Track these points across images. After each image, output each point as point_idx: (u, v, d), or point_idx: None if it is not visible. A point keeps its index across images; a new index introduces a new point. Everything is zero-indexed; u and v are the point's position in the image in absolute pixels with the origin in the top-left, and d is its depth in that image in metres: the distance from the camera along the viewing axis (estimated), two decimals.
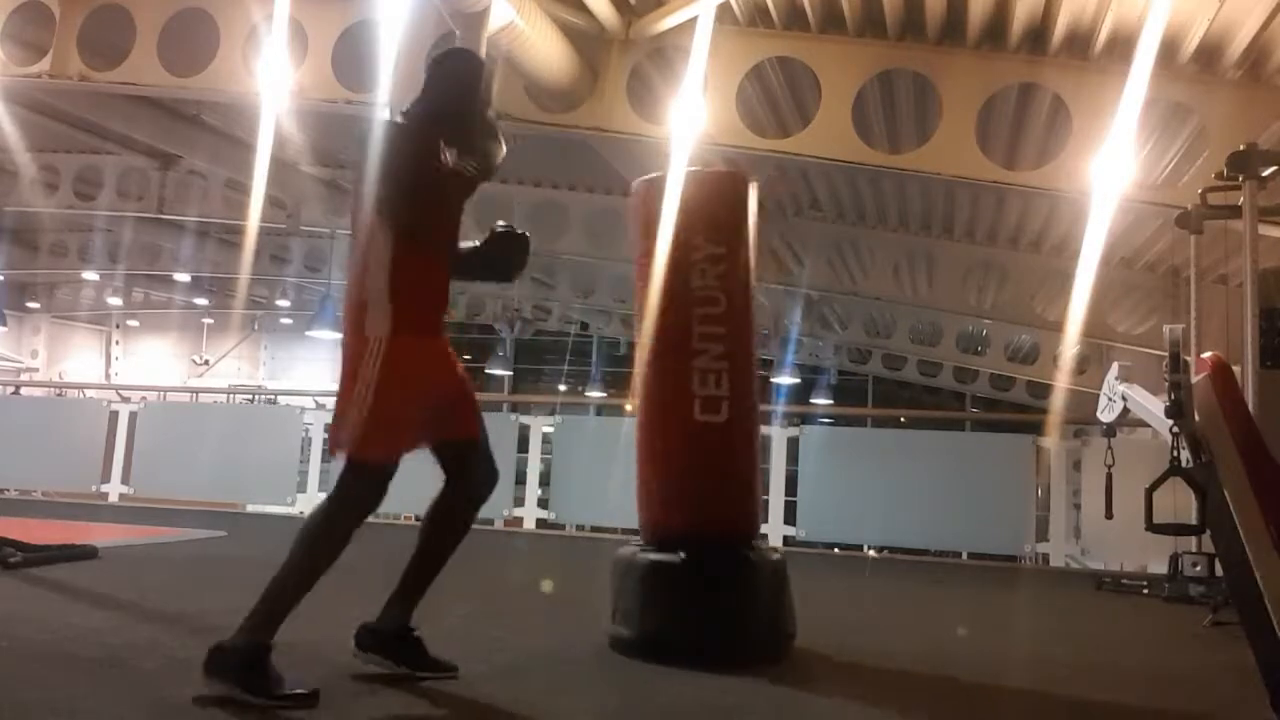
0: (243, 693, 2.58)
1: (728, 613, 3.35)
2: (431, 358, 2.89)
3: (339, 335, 3.03)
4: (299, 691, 2.61)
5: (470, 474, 2.99)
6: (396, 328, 2.78)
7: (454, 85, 2.96)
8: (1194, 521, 3.45)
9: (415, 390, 2.81)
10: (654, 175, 3.80)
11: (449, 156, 2.80)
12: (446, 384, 2.93)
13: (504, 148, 2.98)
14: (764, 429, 7.04)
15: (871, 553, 7.96)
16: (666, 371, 3.51)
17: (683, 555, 3.36)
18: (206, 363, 24.13)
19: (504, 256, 3.07)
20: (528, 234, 3.08)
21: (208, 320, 24.17)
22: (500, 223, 3.10)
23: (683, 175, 3.67)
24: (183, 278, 18.79)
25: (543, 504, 8.58)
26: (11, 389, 16.27)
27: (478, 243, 3.04)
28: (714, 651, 3.28)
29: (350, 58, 7.44)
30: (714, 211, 3.59)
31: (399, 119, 2.94)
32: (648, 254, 3.57)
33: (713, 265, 3.47)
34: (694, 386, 3.41)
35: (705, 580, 3.37)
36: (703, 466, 3.48)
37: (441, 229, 2.92)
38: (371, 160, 2.85)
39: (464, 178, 2.86)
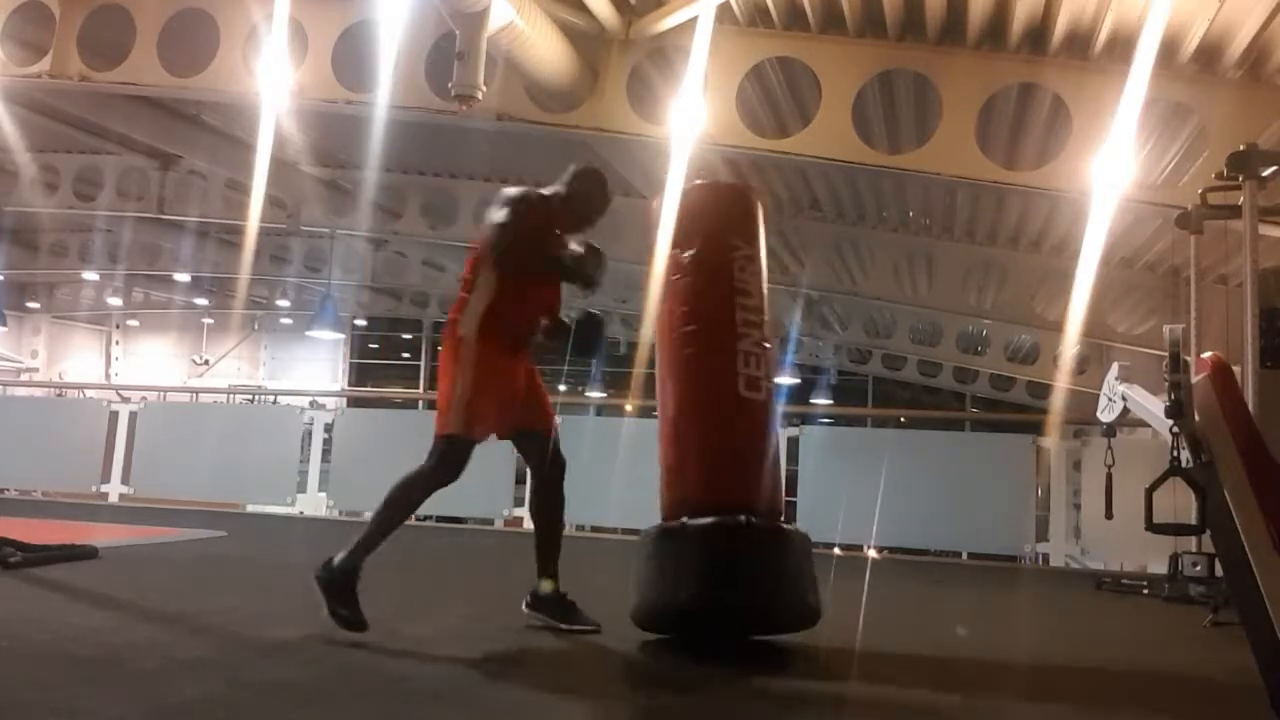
0: (321, 593, 3.36)
1: (789, 577, 3.48)
2: (508, 369, 3.62)
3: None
4: (348, 615, 3.32)
5: (543, 460, 3.75)
6: (482, 336, 3.53)
7: (591, 195, 3.80)
8: (1194, 521, 3.45)
9: (494, 387, 3.55)
10: (693, 184, 4.19)
11: (569, 242, 3.61)
12: (519, 389, 3.66)
13: (604, 266, 3.65)
14: None
15: (872, 553, 7.95)
16: (712, 352, 3.72)
17: (750, 518, 3.45)
18: (206, 363, 24.14)
19: (584, 340, 3.80)
20: (599, 316, 3.83)
21: (208, 320, 24.17)
22: (575, 312, 3.80)
23: (709, 186, 4.26)
24: (183, 278, 18.78)
25: None
26: (22, 389, 16.23)
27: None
28: (781, 616, 3.46)
29: (350, 58, 7.44)
30: (742, 218, 3.98)
31: (541, 191, 3.65)
32: (690, 250, 3.85)
33: (748, 263, 3.85)
34: (739, 365, 3.66)
35: (775, 543, 3.50)
36: (747, 439, 3.65)
37: (536, 289, 3.65)
38: (498, 211, 3.53)
39: (561, 266, 3.60)
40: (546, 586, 3.71)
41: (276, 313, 22.94)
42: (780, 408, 3.96)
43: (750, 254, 3.88)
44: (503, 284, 3.58)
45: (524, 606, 3.74)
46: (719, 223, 3.92)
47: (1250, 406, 4.47)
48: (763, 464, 3.65)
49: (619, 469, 7.44)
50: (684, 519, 3.50)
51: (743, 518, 3.42)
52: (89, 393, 15.58)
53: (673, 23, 6.84)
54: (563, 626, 3.63)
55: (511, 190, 3.60)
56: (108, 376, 23.68)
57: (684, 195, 4.01)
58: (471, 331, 3.56)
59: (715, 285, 3.80)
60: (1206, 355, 3.34)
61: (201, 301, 22.10)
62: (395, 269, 16.38)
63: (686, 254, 3.85)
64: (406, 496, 3.51)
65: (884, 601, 5.02)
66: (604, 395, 20.33)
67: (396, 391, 23.71)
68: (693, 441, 3.68)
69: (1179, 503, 3.55)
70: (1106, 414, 4.94)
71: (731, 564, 3.40)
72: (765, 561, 3.44)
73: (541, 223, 3.59)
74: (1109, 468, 5.20)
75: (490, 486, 8.37)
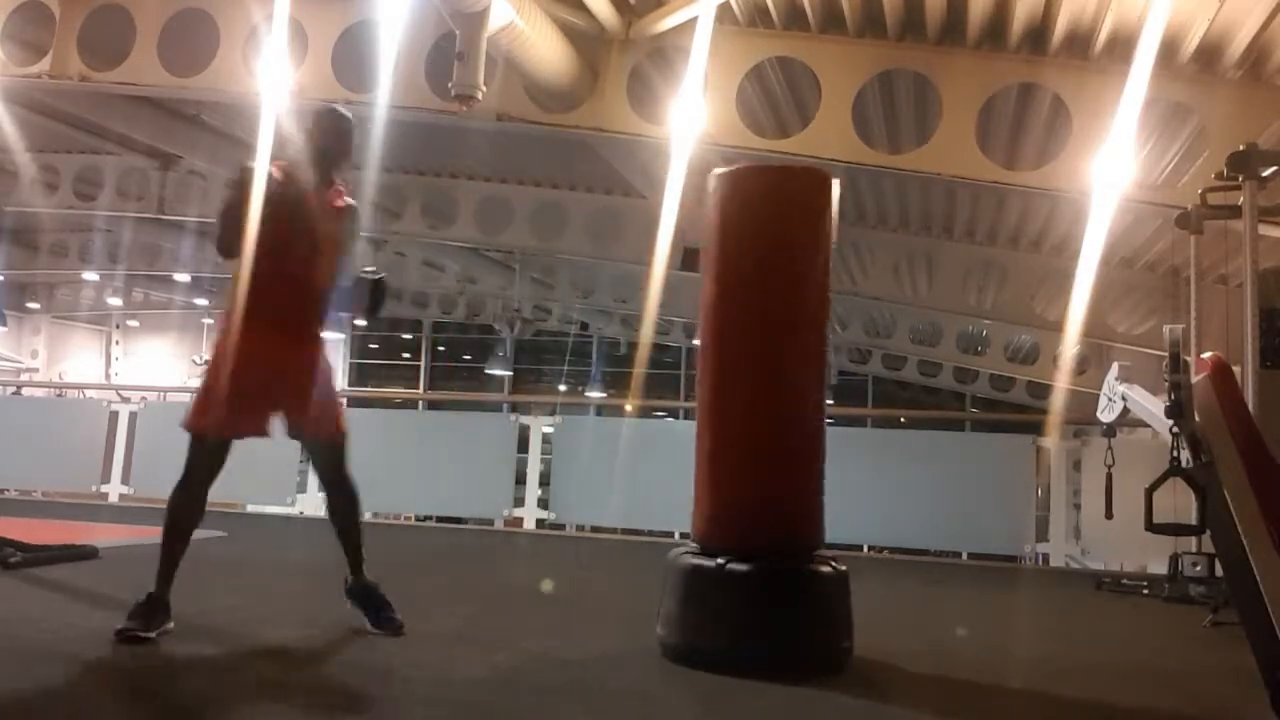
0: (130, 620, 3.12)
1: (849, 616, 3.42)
2: (256, 353, 3.31)
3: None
4: (135, 625, 3.09)
5: (321, 467, 3.62)
6: (235, 321, 3.33)
7: (337, 133, 3.66)
8: (1194, 521, 3.45)
9: (229, 374, 3.27)
10: (746, 166, 3.73)
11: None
12: (272, 377, 3.36)
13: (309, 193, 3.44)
14: None
15: (871, 553, 7.95)
16: (800, 370, 3.37)
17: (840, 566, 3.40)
18: (206, 363, 24.12)
19: (360, 300, 3.53)
20: (381, 278, 3.52)
21: (208, 320, 24.15)
22: (367, 268, 3.52)
23: (791, 171, 3.81)
24: (183, 278, 18.79)
25: (543, 504, 8.58)
26: (12, 389, 16.25)
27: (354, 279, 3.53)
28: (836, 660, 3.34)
29: (350, 58, 7.44)
30: (827, 210, 3.50)
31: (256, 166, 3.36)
32: (784, 244, 3.43)
33: (829, 266, 3.46)
34: (822, 389, 3.40)
35: (842, 585, 3.41)
36: (818, 468, 3.44)
37: (285, 258, 3.37)
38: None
39: (292, 209, 3.34)
40: (356, 578, 3.57)
41: None
42: None
43: (830, 255, 3.47)
44: (252, 262, 3.33)
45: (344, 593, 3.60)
46: (819, 216, 3.42)
47: (1250, 406, 4.47)
48: (820, 494, 3.45)
49: (619, 469, 7.45)
50: (767, 562, 3.28)
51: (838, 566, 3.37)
52: (89, 393, 15.56)
53: (673, 23, 6.84)
54: (369, 627, 3.49)
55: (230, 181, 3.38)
56: (108, 377, 23.70)
57: (761, 179, 3.64)
58: (224, 319, 3.39)
59: (813, 292, 3.38)
60: (1206, 355, 3.34)
61: (201, 301, 22.10)
62: (395, 269, 16.39)
63: (780, 249, 3.40)
64: (179, 510, 3.50)
65: (884, 601, 5.02)
66: (604, 395, 20.35)
67: (396, 392, 23.73)
68: (766, 470, 3.37)
69: (1179, 503, 3.55)
70: (1106, 414, 4.93)
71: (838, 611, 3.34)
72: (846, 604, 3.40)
73: (260, 195, 3.30)
74: (1109, 468, 5.20)
75: (490, 486, 8.38)
